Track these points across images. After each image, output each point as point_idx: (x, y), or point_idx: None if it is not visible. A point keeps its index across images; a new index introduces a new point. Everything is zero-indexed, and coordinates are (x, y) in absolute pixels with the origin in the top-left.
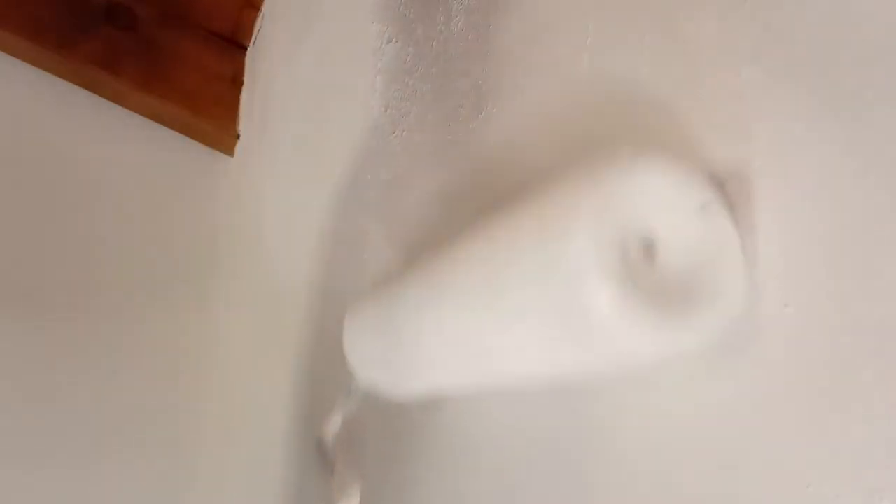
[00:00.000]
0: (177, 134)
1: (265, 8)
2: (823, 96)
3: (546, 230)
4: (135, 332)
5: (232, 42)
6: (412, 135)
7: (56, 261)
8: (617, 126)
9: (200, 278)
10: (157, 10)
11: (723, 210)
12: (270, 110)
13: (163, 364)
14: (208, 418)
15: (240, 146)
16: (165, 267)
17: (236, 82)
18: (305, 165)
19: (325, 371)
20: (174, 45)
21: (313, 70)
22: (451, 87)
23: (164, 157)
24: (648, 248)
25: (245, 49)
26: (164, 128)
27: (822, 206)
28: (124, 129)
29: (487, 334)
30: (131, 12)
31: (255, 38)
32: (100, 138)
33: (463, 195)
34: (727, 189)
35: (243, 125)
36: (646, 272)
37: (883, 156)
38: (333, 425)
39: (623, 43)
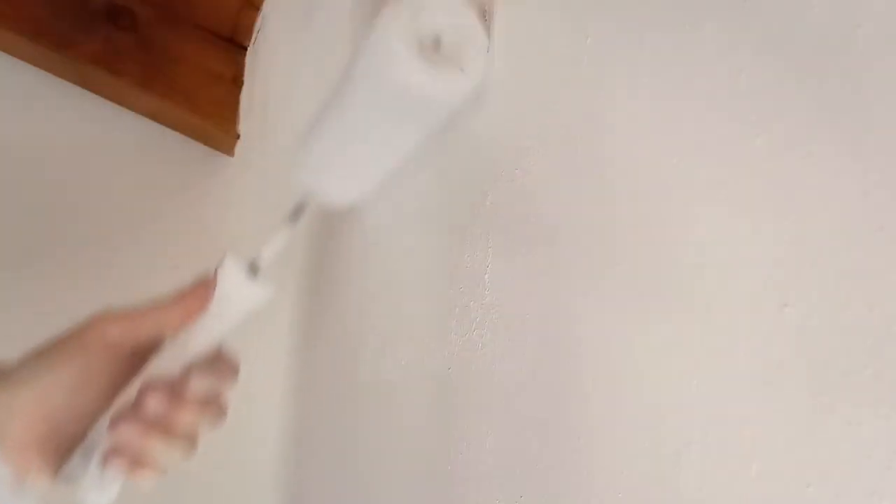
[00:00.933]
0: (177, 134)
1: (265, 8)
2: (823, 96)
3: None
4: None
5: (232, 42)
6: None
7: (55, 259)
8: None
9: None
10: (157, 10)
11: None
12: (270, 110)
13: None
14: None
15: (240, 146)
16: (165, 267)
17: (236, 82)
18: None
19: None
20: (174, 45)
21: (313, 70)
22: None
23: (164, 157)
24: (436, 39)
25: (245, 49)
26: (164, 128)
27: (822, 205)
28: (124, 129)
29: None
30: (131, 12)
31: (255, 38)
32: (100, 138)
33: None
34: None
35: (243, 125)
36: (433, 51)
37: (883, 155)
38: (276, 244)
39: (623, 43)
